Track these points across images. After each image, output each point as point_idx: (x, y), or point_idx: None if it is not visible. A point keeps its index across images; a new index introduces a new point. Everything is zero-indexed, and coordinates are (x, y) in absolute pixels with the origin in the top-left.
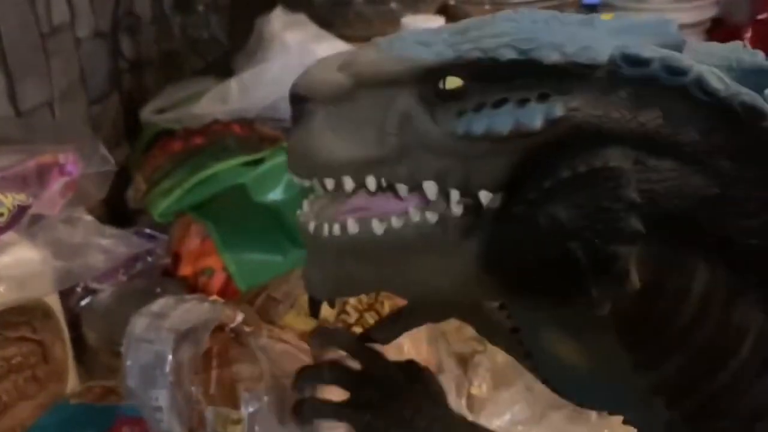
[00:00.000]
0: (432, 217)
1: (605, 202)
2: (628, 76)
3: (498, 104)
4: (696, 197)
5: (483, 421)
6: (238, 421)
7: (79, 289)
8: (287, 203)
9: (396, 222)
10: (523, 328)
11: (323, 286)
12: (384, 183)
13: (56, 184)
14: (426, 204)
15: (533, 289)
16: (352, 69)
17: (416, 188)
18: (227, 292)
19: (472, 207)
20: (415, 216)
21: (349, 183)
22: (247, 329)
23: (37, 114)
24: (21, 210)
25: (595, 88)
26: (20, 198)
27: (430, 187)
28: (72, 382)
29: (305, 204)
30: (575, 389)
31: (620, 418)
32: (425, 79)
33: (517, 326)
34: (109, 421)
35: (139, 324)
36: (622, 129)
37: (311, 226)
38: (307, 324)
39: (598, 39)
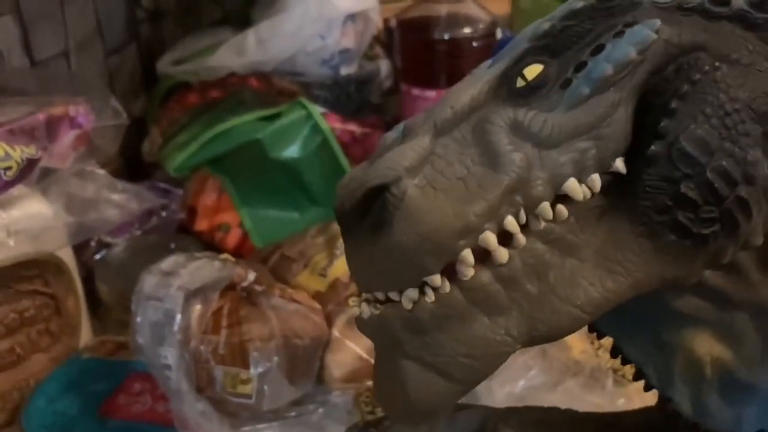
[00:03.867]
0: (563, 213)
1: (727, 106)
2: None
3: (581, 66)
4: None
5: (496, 387)
6: (247, 381)
7: (93, 243)
8: (304, 160)
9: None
10: (628, 339)
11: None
12: (523, 216)
13: (67, 137)
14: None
15: (700, 232)
16: (419, 126)
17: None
18: (243, 249)
19: (604, 185)
20: (538, 226)
21: (490, 236)
22: (258, 288)
23: (53, 64)
24: (30, 163)
25: (648, 13)
26: (29, 151)
27: (572, 185)
28: (85, 336)
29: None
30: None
31: (637, 386)
32: (501, 85)
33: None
34: (120, 376)
35: (148, 281)
36: (697, 36)
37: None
38: (320, 284)
39: None
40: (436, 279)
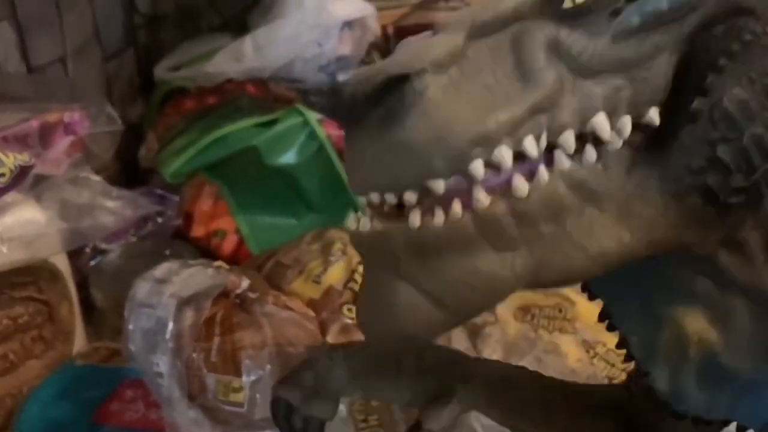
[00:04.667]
0: (591, 156)
1: None
2: None
3: None
4: None
5: None
6: (239, 389)
7: (88, 250)
8: (301, 166)
9: (543, 177)
10: (620, 305)
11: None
12: (544, 140)
13: (61, 143)
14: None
15: (726, 201)
16: (458, 22)
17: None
18: (239, 255)
19: (638, 133)
20: (563, 165)
21: (506, 152)
22: (252, 296)
23: (50, 70)
24: (23, 170)
25: None
26: (22, 158)
27: (600, 121)
28: (79, 343)
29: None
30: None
31: None
32: (545, 5)
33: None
34: (114, 383)
35: (141, 289)
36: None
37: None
38: (314, 291)
39: None
40: (440, 185)
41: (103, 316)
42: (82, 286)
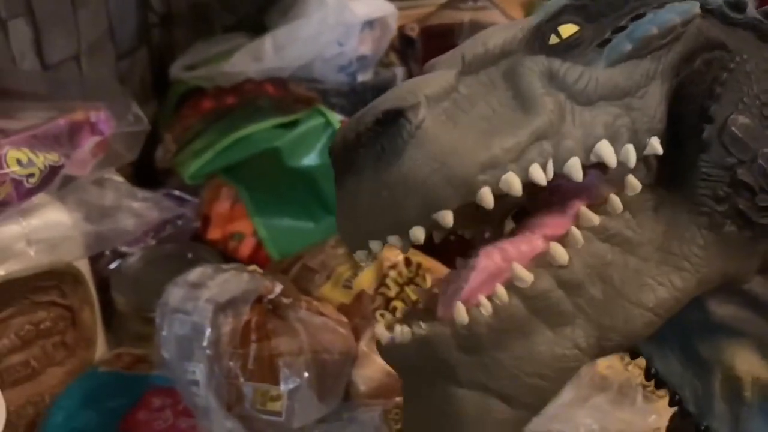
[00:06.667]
0: (616, 204)
1: (762, 96)
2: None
3: (620, 30)
4: None
5: None
6: (277, 398)
7: (107, 253)
8: (322, 169)
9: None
10: (661, 358)
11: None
12: (551, 168)
13: (87, 143)
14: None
15: (759, 221)
16: (444, 61)
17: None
18: (257, 258)
19: (651, 171)
20: (593, 220)
21: (513, 178)
22: (285, 301)
23: (64, 68)
24: (53, 170)
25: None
26: (52, 158)
27: (605, 147)
28: (100, 349)
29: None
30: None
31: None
32: (534, 37)
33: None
34: (139, 391)
35: (174, 294)
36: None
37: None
38: (345, 296)
39: None
40: (448, 216)
41: (124, 321)
42: (101, 290)
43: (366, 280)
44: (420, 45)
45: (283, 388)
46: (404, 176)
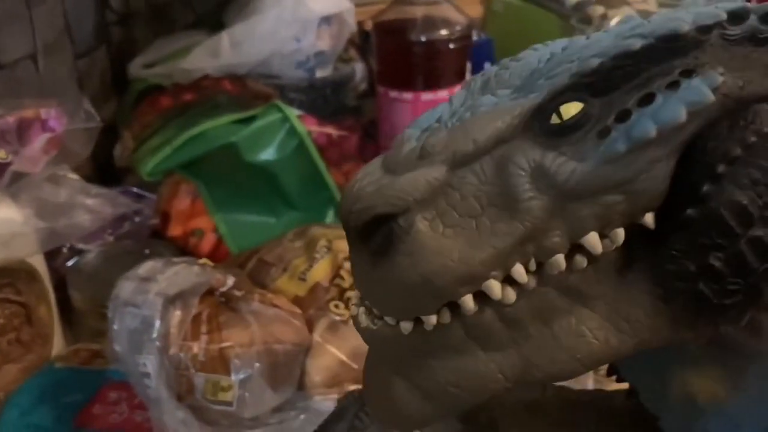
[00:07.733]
0: (582, 263)
1: None
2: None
3: (624, 115)
4: None
5: None
6: (228, 388)
7: (65, 250)
8: (280, 163)
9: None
10: (643, 385)
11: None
12: (533, 265)
13: (38, 140)
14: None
15: (721, 303)
16: (437, 152)
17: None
18: (217, 254)
19: (629, 238)
20: (553, 273)
21: (494, 284)
22: (237, 293)
23: (20, 67)
24: (1, 167)
25: (713, 55)
26: (0, 155)
27: (592, 238)
28: (58, 345)
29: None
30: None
31: (617, 386)
32: (534, 118)
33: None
34: (95, 386)
35: (125, 288)
36: (762, 86)
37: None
38: (300, 288)
39: (671, 18)
40: (432, 319)
41: (82, 318)
42: (59, 287)
43: (321, 272)
44: (374, 39)
45: (234, 378)
46: (394, 280)
